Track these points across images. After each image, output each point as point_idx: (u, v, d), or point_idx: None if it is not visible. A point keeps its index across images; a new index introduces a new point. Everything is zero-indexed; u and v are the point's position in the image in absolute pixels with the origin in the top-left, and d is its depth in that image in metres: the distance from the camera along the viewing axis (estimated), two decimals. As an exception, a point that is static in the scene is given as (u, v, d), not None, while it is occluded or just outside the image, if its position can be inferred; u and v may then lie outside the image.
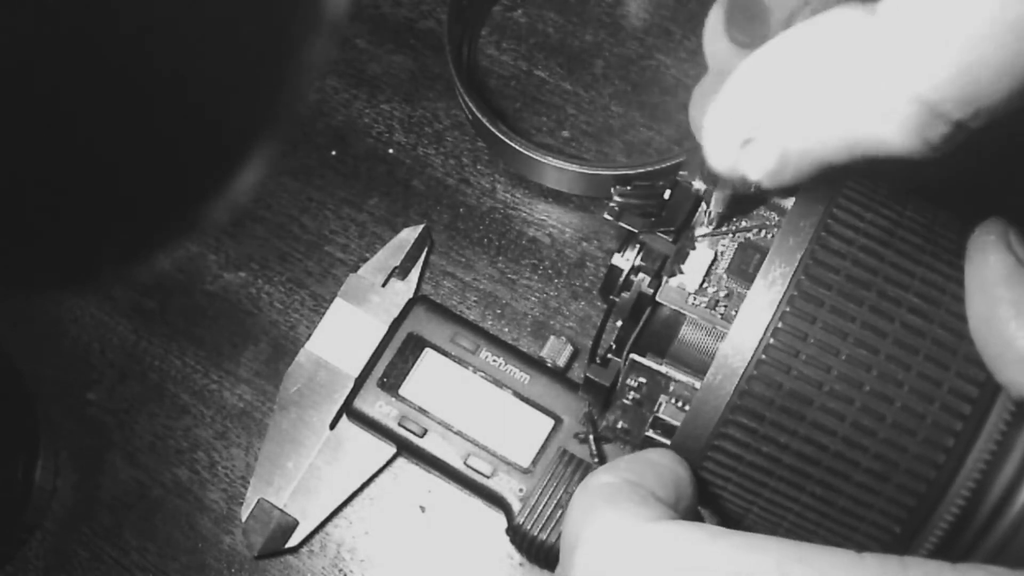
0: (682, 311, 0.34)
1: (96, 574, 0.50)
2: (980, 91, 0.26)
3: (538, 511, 0.46)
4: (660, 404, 0.34)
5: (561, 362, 0.49)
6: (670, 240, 0.36)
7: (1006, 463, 0.31)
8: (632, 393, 0.35)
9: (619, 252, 0.36)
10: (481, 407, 0.48)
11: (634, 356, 0.34)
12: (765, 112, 0.29)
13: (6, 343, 0.52)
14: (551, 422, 0.47)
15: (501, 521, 0.47)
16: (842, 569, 0.27)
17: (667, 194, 0.36)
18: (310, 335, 0.51)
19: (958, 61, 0.26)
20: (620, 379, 0.36)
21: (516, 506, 0.46)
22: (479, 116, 0.52)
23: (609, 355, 0.37)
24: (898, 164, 0.28)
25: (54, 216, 0.19)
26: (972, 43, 0.26)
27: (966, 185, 0.35)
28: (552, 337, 0.49)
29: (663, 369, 0.34)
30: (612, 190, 0.37)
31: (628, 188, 0.37)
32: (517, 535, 0.46)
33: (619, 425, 0.37)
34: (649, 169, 0.50)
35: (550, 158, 0.51)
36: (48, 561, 0.51)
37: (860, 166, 0.29)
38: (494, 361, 0.49)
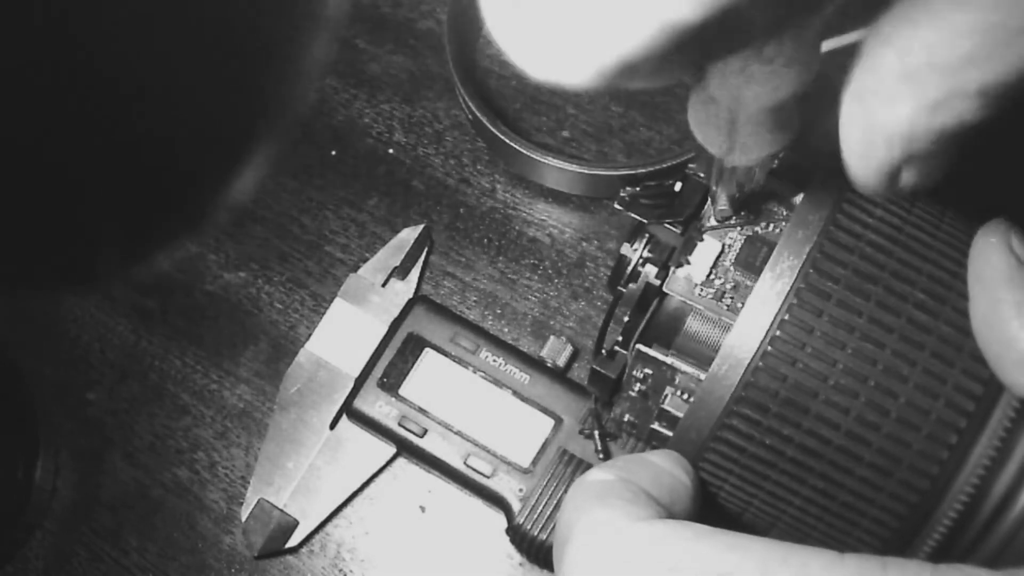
0: (688, 302, 0.34)
1: (96, 574, 0.50)
2: None
3: (538, 511, 0.46)
4: (666, 396, 0.34)
5: (561, 362, 0.49)
6: (678, 231, 0.36)
7: (1009, 461, 0.31)
8: (638, 385, 0.35)
9: (628, 243, 0.36)
10: (481, 407, 0.48)
11: (640, 347, 0.34)
12: None
13: (6, 343, 0.52)
14: (551, 422, 0.47)
15: (501, 521, 0.47)
16: (823, 569, 0.27)
17: (678, 187, 0.36)
18: (310, 335, 0.51)
19: None
20: (627, 371, 0.36)
21: (516, 506, 0.46)
22: (479, 116, 0.52)
23: (616, 347, 0.37)
24: None
25: (54, 216, 0.19)
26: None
27: (969, 185, 0.35)
28: (552, 337, 0.49)
29: (669, 360, 0.34)
30: (622, 191, 0.37)
31: (637, 189, 0.37)
32: (517, 535, 0.46)
33: (625, 418, 0.37)
34: (649, 169, 0.50)
35: (550, 158, 0.51)
36: (48, 561, 0.51)
37: None
38: (494, 361, 0.49)
